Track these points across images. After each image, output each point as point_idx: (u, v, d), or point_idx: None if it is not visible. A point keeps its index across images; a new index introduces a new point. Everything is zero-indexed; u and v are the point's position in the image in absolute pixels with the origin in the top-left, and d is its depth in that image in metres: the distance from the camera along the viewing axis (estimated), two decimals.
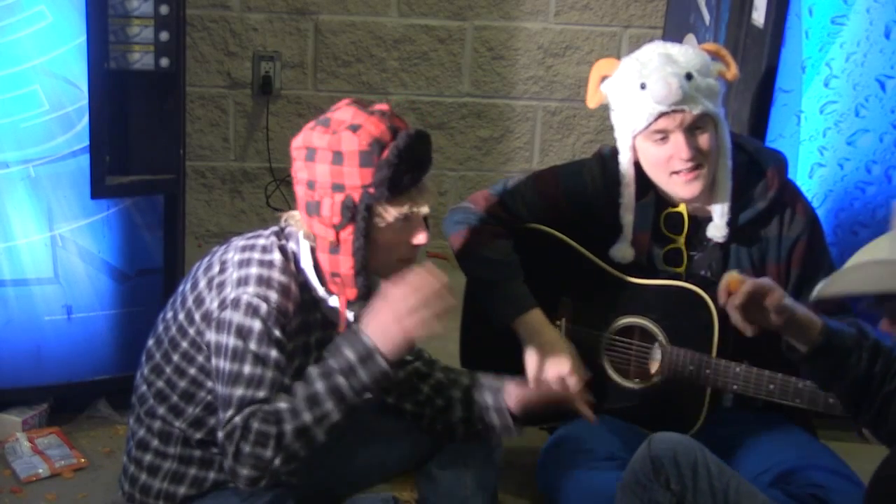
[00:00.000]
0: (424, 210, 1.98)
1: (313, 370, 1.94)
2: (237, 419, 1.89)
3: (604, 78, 2.27)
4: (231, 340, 1.93)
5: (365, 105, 1.95)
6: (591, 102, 2.32)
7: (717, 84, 2.21)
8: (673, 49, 2.21)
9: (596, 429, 2.28)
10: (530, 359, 2.22)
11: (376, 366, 1.91)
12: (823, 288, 1.59)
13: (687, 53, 2.20)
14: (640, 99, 2.17)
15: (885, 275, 1.46)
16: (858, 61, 2.55)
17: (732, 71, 2.27)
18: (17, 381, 2.60)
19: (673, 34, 3.17)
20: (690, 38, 3.01)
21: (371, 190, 1.89)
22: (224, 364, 1.94)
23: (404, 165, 1.90)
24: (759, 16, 2.61)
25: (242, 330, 1.93)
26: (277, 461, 1.91)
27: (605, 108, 3.37)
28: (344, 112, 1.93)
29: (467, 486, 2.18)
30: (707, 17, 2.92)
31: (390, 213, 1.93)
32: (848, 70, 2.56)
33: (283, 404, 1.91)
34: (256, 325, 1.93)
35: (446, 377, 2.30)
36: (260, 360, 1.93)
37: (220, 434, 1.93)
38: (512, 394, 2.17)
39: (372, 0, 3.44)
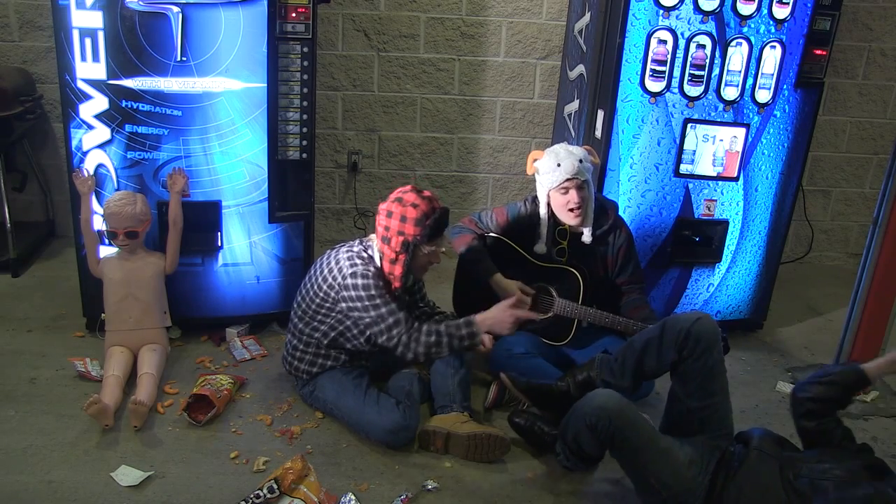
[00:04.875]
0: (442, 249, 1.99)
1: (443, 329, 1.91)
2: (395, 335, 1.90)
3: (535, 159, 2.25)
4: (363, 293, 1.92)
5: (420, 191, 1.94)
6: (529, 171, 2.28)
7: (590, 166, 2.22)
8: (571, 147, 2.22)
9: (519, 339, 2.25)
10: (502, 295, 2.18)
11: (476, 341, 1.91)
12: None
13: (578, 149, 2.21)
14: (556, 171, 2.17)
15: None
16: (646, 156, 2.55)
17: (596, 160, 2.28)
18: (234, 312, 2.59)
19: (557, 141, 3.10)
20: (565, 143, 2.96)
21: (419, 237, 1.90)
22: (360, 304, 1.93)
23: (436, 227, 1.92)
24: (598, 132, 2.59)
25: (364, 286, 1.92)
26: (409, 358, 1.93)
27: (523, 178, 3.35)
28: (409, 195, 1.92)
29: (452, 365, 2.12)
30: (573, 133, 2.91)
31: (426, 249, 1.94)
32: (641, 161, 2.55)
33: (424, 338, 1.90)
34: (371, 282, 1.92)
35: (434, 311, 2.26)
36: (380, 297, 1.92)
37: (383, 338, 1.91)
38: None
39: (407, 123, 3.40)
